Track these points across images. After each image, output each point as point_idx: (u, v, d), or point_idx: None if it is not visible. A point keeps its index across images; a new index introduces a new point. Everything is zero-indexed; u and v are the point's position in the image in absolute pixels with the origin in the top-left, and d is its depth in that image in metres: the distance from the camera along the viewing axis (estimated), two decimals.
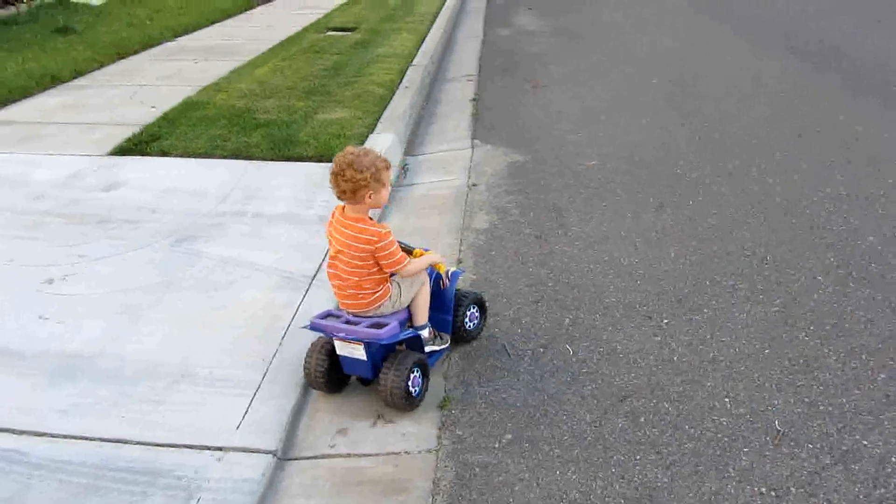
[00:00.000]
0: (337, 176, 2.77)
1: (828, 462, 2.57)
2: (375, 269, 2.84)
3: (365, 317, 2.88)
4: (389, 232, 2.82)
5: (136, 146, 5.57)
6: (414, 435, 2.76)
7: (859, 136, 5.80)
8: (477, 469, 2.58)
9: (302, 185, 4.94)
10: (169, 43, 10.15)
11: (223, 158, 5.40)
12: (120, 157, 5.44)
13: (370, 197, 2.78)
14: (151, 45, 9.84)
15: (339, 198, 2.83)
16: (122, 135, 5.78)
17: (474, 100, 7.59)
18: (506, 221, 4.56)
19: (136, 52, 9.36)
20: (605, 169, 5.39)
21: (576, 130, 6.32)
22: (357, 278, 2.84)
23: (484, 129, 6.51)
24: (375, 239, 2.78)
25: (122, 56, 9.05)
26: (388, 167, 2.84)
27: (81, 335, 3.32)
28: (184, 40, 10.43)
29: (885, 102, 6.63)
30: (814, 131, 5.97)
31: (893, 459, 2.56)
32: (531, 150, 5.89)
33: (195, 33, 11.02)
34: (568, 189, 5.04)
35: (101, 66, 8.50)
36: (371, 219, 2.87)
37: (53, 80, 7.59)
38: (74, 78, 7.89)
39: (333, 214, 2.91)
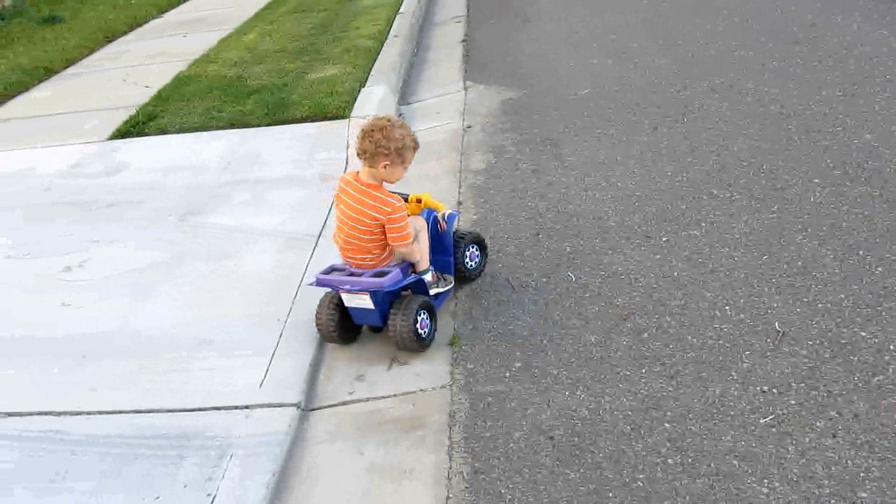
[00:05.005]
0: (365, 134, 2.84)
1: (827, 356, 2.65)
2: (383, 237, 2.92)
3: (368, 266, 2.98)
4: (403, 206, 2.89)
5: (133, 128, 5.63)
6: (427, 373, 2.88)
7: (855, 35, 5.71)
8: (489, 398, 2.70)
9: (299, 146, 5.00)
10: (156, 20, 10.12)
11: (220, 129, 5.45)
12: (120, 140, 5.51)
13: (385, 167, 2.83)
14: (138, 24, 9.81)
15: (357, 156, 2.90)
16: (119, 118, 5.84)
17: (464, 41, 7.54)
18: (502, 159, 4.61)
19: (124, 34, 9.35)
20: (597, 97, 5.38)
21: (568, 62, 6.28)
22: (364, 244, 2.93)
23: (476, 70, 6.50)
24: (389, 210, 2.84)
25: (110, 39, 9.05)
26: (415, 148, 2.91)
27: (102, 316, 3.44)
28: (170, 15, 10.39)
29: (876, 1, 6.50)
30: (809, 37, 5.88)
31: (891, 347, 2.64)
32: (524, 85, 5.88)
33: (181, 6, 10.95)
34: (562, 120, 5.06)
35: (91, 51, 8.52)
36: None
37: (46, 72, 7.63)
38: (66, 67, 7.92)
39: (344, 180, 2.97)
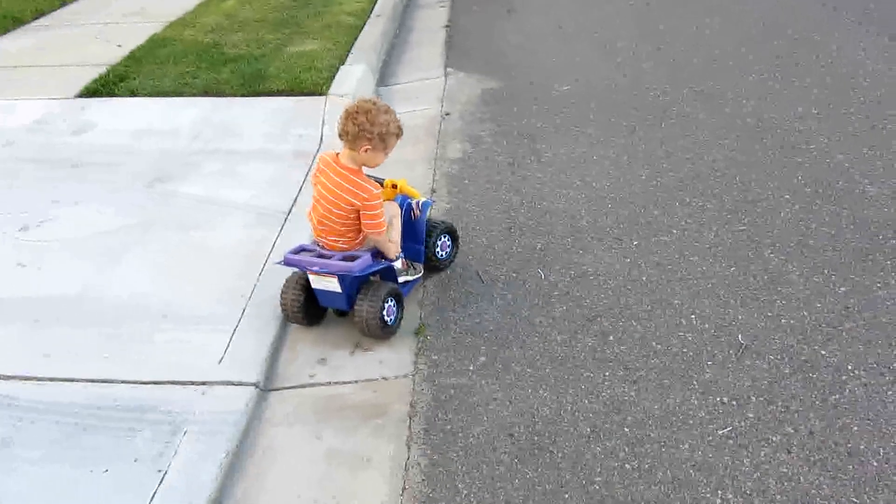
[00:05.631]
0: (349, 116, 2.78)
1: (787, 372, 2.69)
2: (357, 222, 2.88)
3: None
4: (380, 194, 2.85)
5: (103, 87, 5.46)
6: (391, 361, 2.86)
7: (834, 56, 5.78)
8: (452, 391, 2.69)
9: (274, 120, 4.91)
10: None
11: (193, 96, 5.32)
12: (88, 98, 5.34)
13: (366, 151, 2.79)
14: None
15: (339, 137, 2.85)
16: (88, 76, 5.66)
17: (448, 26, 7.47)
18: (479, 149, 4.58)
19: None
20: (578, 94, 5.38)
21: (551, 56, 6.26)
22: (337, 226, 2.89)
23: (458, 57, 6.44)
24: (365, 196, 2.80)
25: None
26: (399, 135, 2.86)
27: (62, 280, 3.35)
28: None
29: (861, 19, 6.58)
30: (790, 53, 5.93)
31: (849, 367, 2.68)
32: (505, 76, 5.84)
33: None
34: (541, 115, 5.04)
35: (64, 4, 8.23)
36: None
37: (15, 22, 7.35)
38: (36, 18, 7.64)
39: (324, 160, 2.92)
